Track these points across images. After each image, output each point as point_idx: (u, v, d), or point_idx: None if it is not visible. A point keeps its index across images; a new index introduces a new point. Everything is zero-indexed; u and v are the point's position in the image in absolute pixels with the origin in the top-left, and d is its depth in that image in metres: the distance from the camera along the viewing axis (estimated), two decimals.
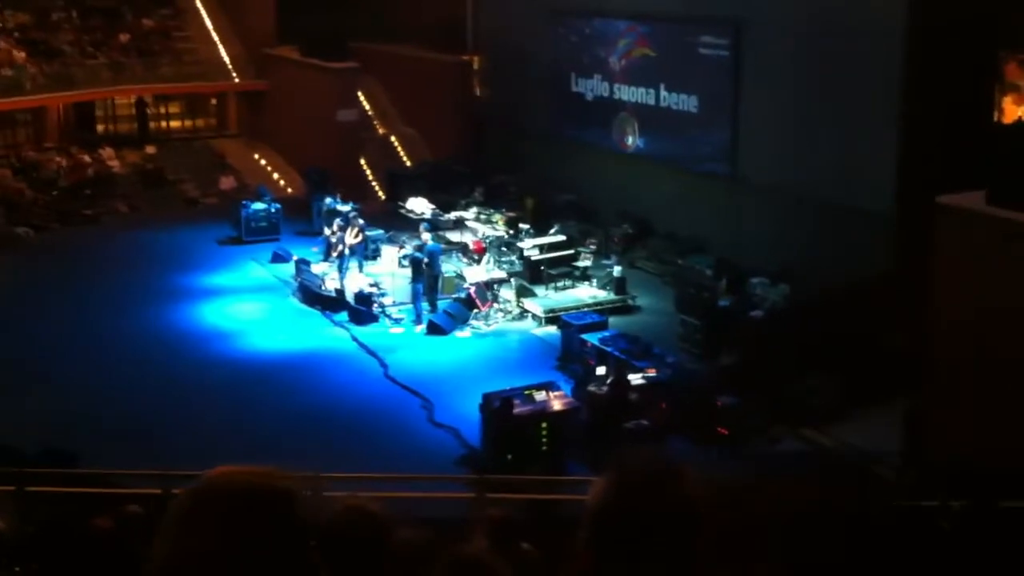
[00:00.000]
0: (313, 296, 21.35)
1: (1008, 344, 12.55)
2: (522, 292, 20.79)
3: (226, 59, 34.09)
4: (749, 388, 15.78)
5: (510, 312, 20.50)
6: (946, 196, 13.46)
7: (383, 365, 18.34)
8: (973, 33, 16.94)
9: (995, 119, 14.45)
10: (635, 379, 15.72)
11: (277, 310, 21.39)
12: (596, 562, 1.97)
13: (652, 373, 16.05)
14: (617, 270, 21.27)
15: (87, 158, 30.96)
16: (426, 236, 20.94)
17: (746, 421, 15.19)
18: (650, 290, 21.73)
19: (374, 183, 30.45)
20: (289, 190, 30.68)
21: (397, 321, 20.24)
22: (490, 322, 20.10)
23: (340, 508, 3.16)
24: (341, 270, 21.84)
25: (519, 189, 26.75)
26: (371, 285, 21.34)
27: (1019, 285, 12.43)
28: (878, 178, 18.66)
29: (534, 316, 20.32)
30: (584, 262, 21.83)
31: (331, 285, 21.49)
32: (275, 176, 32.00)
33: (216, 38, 34.62)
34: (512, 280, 21.22)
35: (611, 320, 19.12)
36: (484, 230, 23.33)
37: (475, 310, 20.03)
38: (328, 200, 24.67)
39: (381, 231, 24.38)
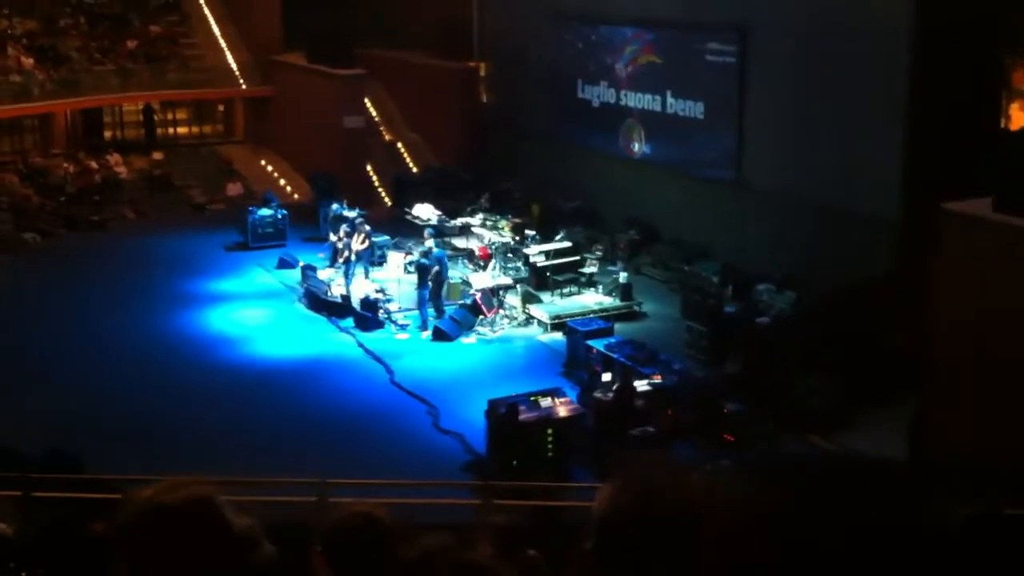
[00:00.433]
0: (319, 302, 21.37)
1: (1011, 347, 12.53)
2: (528, 298, 20.80)
3: (233, 65, 34.17)
4: (755, 395, 15.75)
5: (516, 318, 20.50)
6: (953, 203, 13.44)
7: (389, 371, 18.35)
8: (977, 36, 16.95)
9: (1002, 125, 14.45)
10: (641, 385, 15.70)
11: (283, 316, 21.42)
12: (600, 569, 1.96)
13: (658, 379, 16.03)
14: (623, 276, 21.26)
15: (94, 164, 31.06)
16: (431, 242, 20.96)
17: (752, 428, 15.16)
18: (656, 296, 21.72)
19: (380, 189, 30.48)
20: (295, 196, 30.74)
21: (403, 327, 20.25)
22: (496, 328, 20.10)
23: (346, 514, 3.16)
24: (347, 276, 21.87)
25: (525, 195, 26.77)
26: (377, 291, 21.37)
27: (1023, 290, 12.41)
28: (883, 183, 18.63)
29: (540, 322, 20.32)
30: (590, 268, 21.84)
31: (337, 291, 21.52)
32: (281, 182, 32.05)
33: (223, 45, 34.72)
34: (518, 286, 21.22)
35: (617, 326, 19.10)
36: (490, 236, 23.35)
37: (481, 316, 20.04)
38: (334, 206, 24.71)
39: (387, 237, 24.41)
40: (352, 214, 23.83)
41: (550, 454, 14.56)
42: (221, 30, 35.04)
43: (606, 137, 25.85)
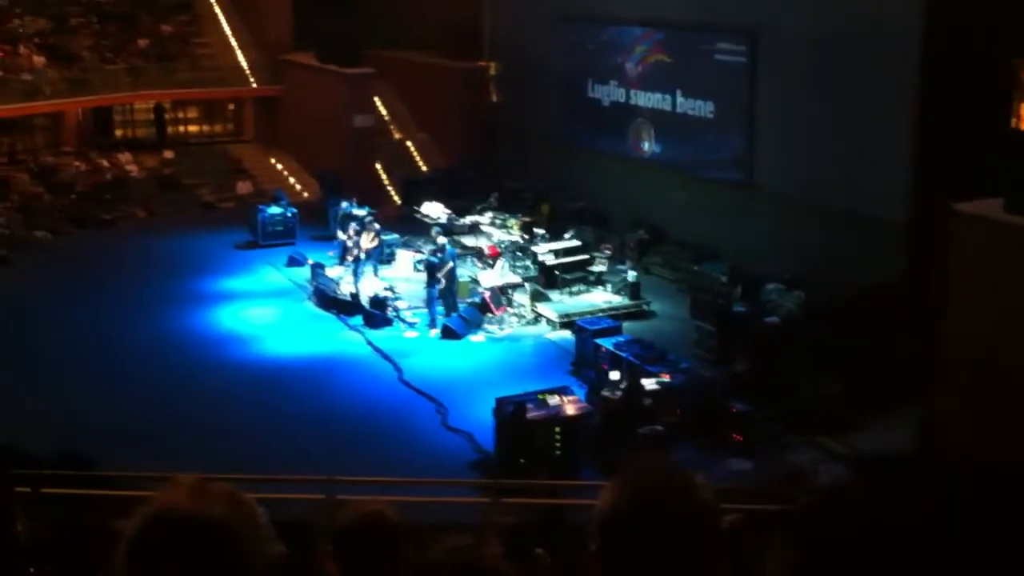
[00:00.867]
0: (328, 300, 21.42)
1: (1021, 349, 12.51)
2: (536, 297, 20.81)
3: (243, 64, 34.23)
4: (763, 394, 15.75)
5: (524, 317, 20.52)
6: (963, 204, 13.42)
7: (397, 369, 18.39)
8: (988, 40, 16.89)
9: (1012, 126, 14.40)
10: (649, 384, 15.71)
11: (292, 314, 21.47)
12: (605, 568, 1.98)
13: (666, 379, 16.04)
14: (632, 275, 21.27)
15: (105, 163, 31.12)
16: (443, 240, 20.99)
17: (760, 427, 15.16)
18: (664, 296, 21.72)
19: (389, 188, 30.51)
20: (305, 195, 30.79)
21: (411, 325, 20.29)
22: (504, 327, 20.12)
23: (356, 514, 3.18)
24: (356, 274, 21.91)
25: (534, 194, 26.78)
26: (386, 289, 21.41)
27: None
28: (893, 185, 18.61)
29: (548, 321, 20.33)
30: (599, 267, 21.84)
31: (346, 289, 21.56)
32: (291, 181, 32.10)
33: (233, 44, 34.77)
34: (527, 285, 21.24)
35: (625, 325, 19.11)
36: (499, 235, 23.37)
37: (489, 314, 20.07)
38: (344, 205, 24.75)
39: (396, 236, 24.45)
40: (361, 212, 23.87)
41: (558, 452, 14.58)
42: (232, 29, 35.09)
43: (616, 137, 25.85)
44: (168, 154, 32.67)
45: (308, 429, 15.89)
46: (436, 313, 20.17)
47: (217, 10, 35.52)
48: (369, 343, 19.65)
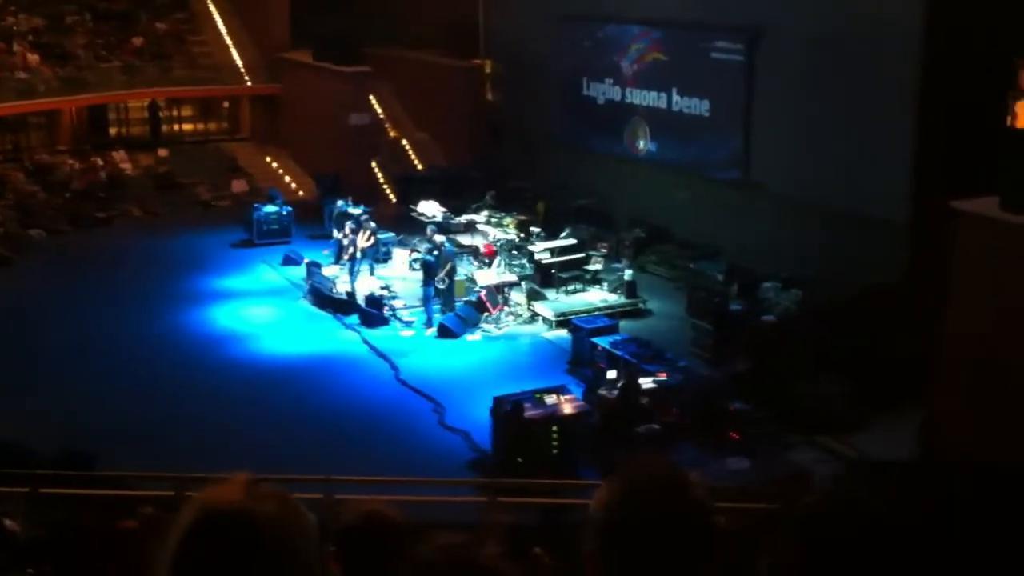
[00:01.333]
0: (324, 299, 21.40)
1: (1022, 347, 12.52)
2: (533, 295, 20.81)
3: (239, 63, 34.19)
4: (761, 393, 15.75)
5: (521, 315, 20.51)
6: (961, 201, 13.43)
7: (394, 368, 18.37)
8: (988, 39, 16.89)
9: (1008, 124, 14.40)
10: (646, 383, 15.70)
11: (288, 313, 21.44)
12: (603, 567, 1.97)
13: (663, 377, 16.03)
14: (628, 274, 21.27)
15: (100, 161, 31.08)
16: (440, 238, 20.96)
17: (758, 426, 15.16)
18: (661, 294, 21.72)
19: (385, 187, 30.49)
20: (301, 193, 30.76)
21: (408, 324, 20.27)
22: (501, 325, 20.11)
23: (358, 513, 3.17)
24: (352, 273, 21.89)
25: (530, 193, 26.78)
26: (382, 288, 21.39)
27: None
28: (891, 184, 18.61)
29: (545, 319, 20.33)
30: (595, 266, 21.83)
31: (342, 288, 21.54)
32: (287, 179, 32.07)
33: (229, 42, 34.74)
34: (523, 283, 21.23)
35: (622, 324, 19.10)
36: (495, 234, 23.36)
37: (486, 313, 20.06)
38: (340, 203, 24.73)
39: (392, 234, 24.44)
40: (357, 211, 23.85)
41: (555, 451, 14.58)
42: (227, 27, 35.06)
43: (611, 135, 25.84)
44: (163, 152, 32.64)
45: (305, 428, 15.87)
46: (432, 312, 20.16)
47: (213, 8, 35.47)
48: (365, 342, 19.63)
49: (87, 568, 5.75)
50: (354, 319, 20.54)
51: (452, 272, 20.42)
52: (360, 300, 20.92)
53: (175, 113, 35.08)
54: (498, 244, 22.67)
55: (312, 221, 26.51)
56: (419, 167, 31.38)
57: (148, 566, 1.74)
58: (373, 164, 30.65)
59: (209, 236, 26.74)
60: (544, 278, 21.34)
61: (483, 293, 20.21)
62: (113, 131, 33.90)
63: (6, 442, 13.25)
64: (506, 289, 20.82)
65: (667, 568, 1.94)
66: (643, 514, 1.94)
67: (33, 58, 30.95)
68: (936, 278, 14.01)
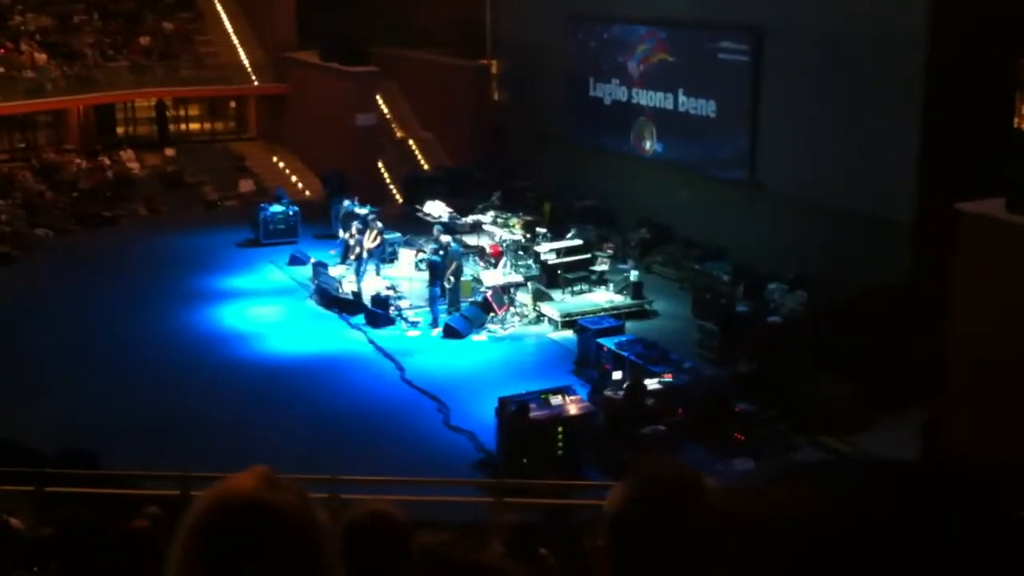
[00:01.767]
0: (330, 299, 21.41)
1: None
2: (539, 296, 20.80)
3: (246, 62, 34.23)
4: (766, 394, 15.73)
5: (526, 316, 20.51)
6: (966, 203, 13.40)
7: (400, 368, 18.38)
8: (993, 40, 16.88)
9: (1015, 125, 14.40)
10: (652, 384, 15.70)
11: (294, 313, 21.46)
12: (615, 570, 1.97)
13: (669, 378, 16.03)
14: (634, 275, 21.25)
15: (107, 160, 31.13)
16: (446, 238, 20.96)
17: (763, 427, 15.15)
18: (667, 295, 21.70)
19: (392, 187, 30.51)
20: (307, 193, 30.79)
21: (414, 324, 20.28)
22: (506, 326, 20.11)
23: (363, 513, 3.18)
24: (358, 273, 21.90)
25: (536, 193, 26.77)
26: (388, 288, 21.40)
27: None
28: (897, 184, 18.60)
29: (550, 320, 20.32)
30: (601, 266, 21.83)
31: (348, 288, 21.56)
32: (293, 179, 32.10)
33: (236, 41, 34.77)
34: (529, 284, 21.23)
35: (628, 325, 19.10)
36: (501, 234, 23.35)
37: (492, 314, 20.06)
38: (346, 203, 24.74)
39: (399, 234, 24.45)
40: (364, 211, 23.85)
41: (561, 452, 14.57)
42: (234, 27, 35.09)
43: (618, 135, 25.83)
44: (170, 152, 32.69)
45: (310, 428, 15.88)
46: (438, 312, 20.16)
47: (220, 8, 35.51)
48: (371, 342, 19.64)
49: (94, 568, 5.76)
50: (360, 319, 20.55)
51: (457, 272, 20.43)
52: (366, 300, 20.94)
53: (182, 113, 35.11)
54: (504, 244, 22.67)
55: (319, 221, 26.53)
56: (425, 167, 31.40)
57: (157, 566, 1.72)
58: (379, 164, 30.67)
59: (216, 236, 26.78)
60: (550, 279, 21.34)
61: (489, 293, 20.21)
62: (120, 130, 33.93)
63: (8, 441, 13.28)
64: (512, 290, 20.82)
65: (680, 570, 1.94)
66: (659, 514, 1.95)
67: (41, 57, 31.01)
68: (941, 279, 13.99)
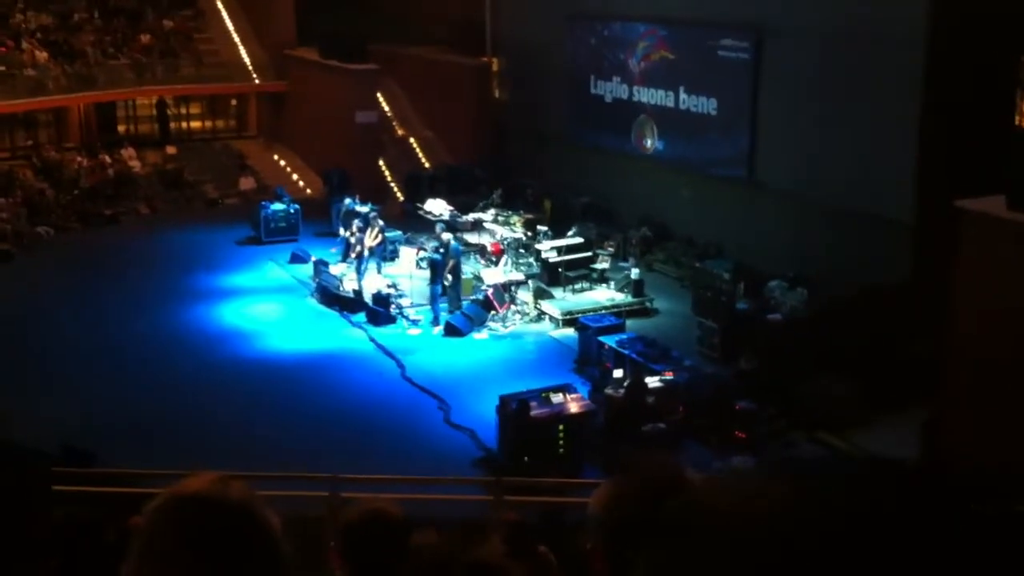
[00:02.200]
0: (331, 297, 21.42)
1: None
2: (539, 294, 20.81)
3: (246, 60, 34.22)
4: (767, 392, 15.74)
5: (527, 314, 20.52)
6: (966, 200, 13.39)
7: (400, 366, 18.39)
8: (993, 39, 16.87)
9: (1016, 123, 14.39)
10: (652, 382, 15.71)
11: (295, 311, 21.47)
12: (611, 568, 1.98)
13: (669, 376, 16.03)
14: (635, 273, 21.26)
15: (108, 158, 31.14)
16: (447, 236, 20.96)
17: (764, 425, 15.16)
18: (668, 293, 21.71)
19: (392, 185, 30.51)
20: (308, 191, 30.79)
21: (415, 322, 20.29)
22: (507, 324, 20.12)
23: (362, 511, 3.18)
24: (359, 271, 21.90)
25: (537, 191, 26.77)
26: (389, 286, 21.41)
27: None
28: (897, 183, 18.59)
29: (551, 318, 20.33)
30: (602, 264, 21.84)
31: (349, 286, 21.56)
32: (294, 177, 32.10)
33: (237, 39, 34.77)
34: (530, 282, 21.23)
35: (628, 323, 19.11)
36: (502, 232, 23.36)
37: (492, 312, 20.06)
38: (347, 201, 24.75)
39: (399, 232, 24.46)
40: (364, 209, 23.85)
41: (561, 450, 14.58)
42: (235, 25, 35.09)
43: (619, 134, 25.83)
44: (171, 150, 32.71)
45: (311, 426, 15.89)
46: (439, 310, 20.17)
47: (220, 6, 35.51)
48: (372, 340, 19.65)
49: (93, 565, 5.76)
50: (361, 317, 20.56)
51: (454, 270, 20.40)
52: (367, 298, 20.94)
53: (183, 111, 35.13)
54: (505, 243, 22.67)
55: (319, 219, 26.53)
56: (427, 165, 31.40)
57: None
58: (380, 162, 30.68)
59: (216, 234, 26.79)
60: (551, 277, 21.35)
61: (490, 291, 20.22)
62: (121, 128, 33.94)
63: (6, 441, 13.27)
64: (513, 288, 20.82)
65: (668, 567, 1.93)
66: (642, 512, 1.95)
67: (42, 55, 31.01)
68: (941, 278, 13.98)
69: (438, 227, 21.78)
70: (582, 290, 21.25)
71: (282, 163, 33.06)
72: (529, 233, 23.33)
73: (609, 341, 17.51)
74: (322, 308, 21.44)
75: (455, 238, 21.55)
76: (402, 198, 29.25)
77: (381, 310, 20.35)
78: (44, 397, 16.81)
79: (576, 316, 19.56)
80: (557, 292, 21.03)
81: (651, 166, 25.16)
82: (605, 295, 21.10)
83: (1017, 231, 12.63)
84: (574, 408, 14.90)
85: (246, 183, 31.29)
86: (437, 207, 24.91)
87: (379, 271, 22.56)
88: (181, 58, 33.30)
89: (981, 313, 13.07)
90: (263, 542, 1.72)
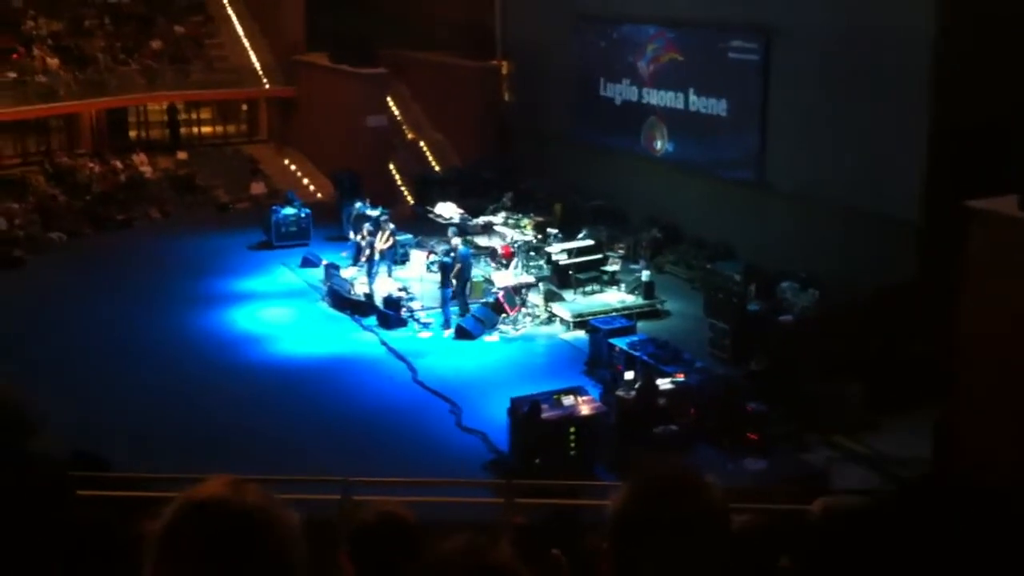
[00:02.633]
0: (342, 300, 21.45)
1: None
2: (550, 296, 20.81)
3: (257, 66, 34.32)
4: (779, 394, 15.70)
5: (538, 316, 20.52)
6: (976, 200, 13.34)
7: (412, 369, 18.40)
8: (1001, 39, 16.81)
9: None
10: (664, 384, 15.68)
11: (307, 315, 21.51)
12: (618, 570, 1.98)
13: (681, 378, 16.00)
14: (645, 275, 21.24)
15: (119, 164, 31.26)
16: (456, 240, 21.00)
17: (775, 427, 15.11)
18: (679, 295, 21.68)
19: (403, 188, 30.55)
20: (319, 195, 30.86)
21: (426, 325, 20.30)
22: (518, 326, 20.12)
23: (373, 514, 3.18)
24: (370, 274, 21.93)
25: (548, 194, 26.77)
26: (400, 289, 21.43)
27: None
28: (906, 184, 18.54)
29: (562, 320, 20.32)
30: (612, 266, 21.82)
31: (360, 289, 21.59)
32: (305, 181, 32.18)
33: (247, 45, 34.87)
34: (540, 284, 21.23)
35: (639, 325, 19.08)
36: (512, 235, 23.36)
37: (503, 314, 20.07)
38: (357, 205, 24.79)
39: (410, 236, 24.48)
40: (375, 213, 23.89)
41: (573, 453, 14.57)
42: (245, 30, 35.20)
43: (629, 135, 25.81)
44: (182, 155, 32.81)
45: (322, 429, 15.92)
46: (450, 313, 20.18)
47: (230, 11, 35.62)
48: (383, 343, 19.67)
49: (105, 570, 5.78)
50: (372, 320, 20.59)
51: (462, 275, 20.40)
52: (378, 302, 20.97)
53: (194, 116, 35.24)
54: (515, 245, 22.68)
55: (330, 223, 26.58)
56: (437, 169, 31.43)
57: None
58: (391, 166, 30.72)
59: (228, 238, 26.86)
60: (561, 279, 21.34)
61: (501, 294, 20.23)
62: (133, 134, 34.08)
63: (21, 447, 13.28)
64: (523, 290, 20.83)
65: (680, 569, 1.94)
66: (657, 515, 1.95)
67: (53, 62, 31.14)
68: (951, 277, 13.92)
69: (450, 231, 21.80)
70: (593, 292, 21.24)
71: (293, 167, 33.14)
72: (539, 236, 23.33)
73: (620, 343, 17.49)
74: (333, 312, 21.48)
75: (464, 242, 21.57)
76: (412, 201, 29.28)
77: (392, 313, 20.37)
78: (55, 401, 16.80)
79: (587, 318, 19.55)
80: (568, 294, 21.02)
81: (661, 168, 25.13)
82: (616, 297, 21.09)
83: None
84: (585, 410, 14.89)
85: (257, 187, 31.37)
86: (447, 210, 24.93)
87: (390, 274, 22.59)
88: (192, 64, 33.42)
89: (991, 313, 13.01)
90: (279, 545, 1.73)
